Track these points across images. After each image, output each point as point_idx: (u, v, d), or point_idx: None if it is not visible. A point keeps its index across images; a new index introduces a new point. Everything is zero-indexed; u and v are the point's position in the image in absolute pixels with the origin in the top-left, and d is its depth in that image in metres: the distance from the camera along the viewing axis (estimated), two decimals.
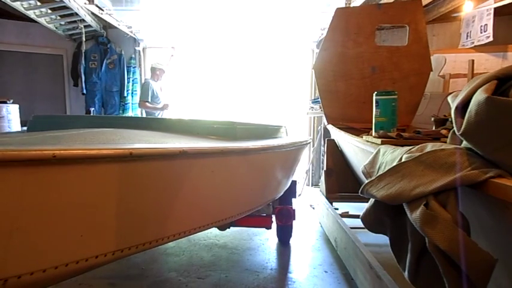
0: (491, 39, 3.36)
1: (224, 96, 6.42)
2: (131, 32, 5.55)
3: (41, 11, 4.67)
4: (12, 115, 4.32)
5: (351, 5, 4.21)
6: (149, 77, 5.48)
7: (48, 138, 1.40)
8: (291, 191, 3.16)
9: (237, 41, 5.85)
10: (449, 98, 1.30)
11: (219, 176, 1.60)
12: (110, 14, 5.00)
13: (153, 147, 1.24)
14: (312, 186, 5.91)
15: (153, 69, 5.32)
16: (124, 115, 5.64)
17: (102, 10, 4.86)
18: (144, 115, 5.62)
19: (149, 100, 5.18)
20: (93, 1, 4.51)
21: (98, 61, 5.53)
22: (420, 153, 1.25)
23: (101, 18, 5.19)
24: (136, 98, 5.73)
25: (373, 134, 2.32)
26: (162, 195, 1.30)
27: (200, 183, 1.48)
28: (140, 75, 5.87)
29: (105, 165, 1.05)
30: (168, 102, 5.39)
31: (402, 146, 1.56)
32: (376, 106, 2.38)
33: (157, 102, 5.33)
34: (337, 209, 3.53)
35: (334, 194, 3.70)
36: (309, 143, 3.57)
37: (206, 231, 3.14)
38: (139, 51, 5.85)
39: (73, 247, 1.02)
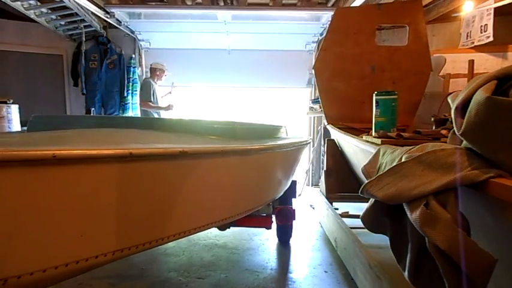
0: (491, 39, 3.36)
1: (224, 97, 6.41)
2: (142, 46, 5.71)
3: (41, 11, 4.67)
4: (12, 115, 4.32)
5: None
6: (149, 77, 5.46)
7: (48, 138, 1.40)
8: (291, 191, 3.16)
9: (237, 44, 5.85)
10: (449, 98, 1.30)
11: (219, 176, 1.60)
12: (127, 26, 5.39)
13: (153, 147, 1.24)
14: (312, 186, 5.91)
15: (153, 69, 5.30)
16: (124, 115, 5.63)
17: (120, 22, 5.19)
18: (140, 115, 5.62)
19: (151, 100, 5.14)
20: (114, 15, 4.99)
21: (98, 61, 5.52)
22: (420, 153, 1.25)
23: (100, 18, 5.20)
24: (137, 98, 5.71)
25: (373, 134, 2.32)
26: (162, 195, 1.30)
27: (200, 183, 1.48)
28: (140, 75, 5.87)
29: (105, 165, 1.06)
30: (172, 103, 5.36)
31: (402, 146, 1.56)
32: (376, 106, 2.38)
33: (156, 103, 5.31)
34: (337, 209, 3.53)
35: (334, 194, 3.70)
36: (309, 143, 3.57)
37: (206, 231, 3.14)
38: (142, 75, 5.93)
39: (73, 247, 1.02)
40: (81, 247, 1.04)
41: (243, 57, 5.94)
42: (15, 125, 4.32)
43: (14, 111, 4.36)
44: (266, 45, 5.86)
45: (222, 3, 5.29)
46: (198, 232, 1.56)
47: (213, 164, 1.53)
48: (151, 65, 5.35)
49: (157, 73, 5.28)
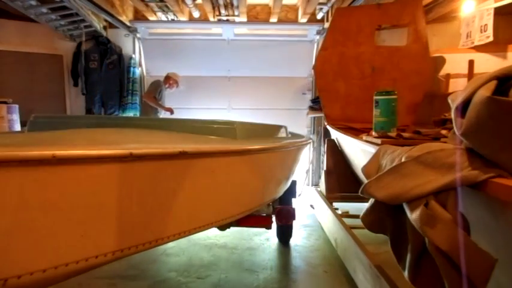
0: (491, 39, 3.35)
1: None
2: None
3: (41, 11, 4.67)
4: (13, 115, 4.32)
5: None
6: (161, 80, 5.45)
7: (48, 138, 1.40)
8: (291, 191, 3.16)
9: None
10: (449, 98, 1.30)
11: (219, 176, 1.60)
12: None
13: (153, 147, 1.24)
14: (312, 186, 5.91)
15: (167, 77, 5.32)
16: (124, 115, 5.63)
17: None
18: (140, 109, 5.64)
19: (156, 96, 5.14)
20: (136, 33, 5.54)
21: (98, 61, 5.51)
22: (420, 153, 1.25)
23: (101, 18, 5.20)
24: (137, 98, 5.72)
25: (373, 134, 2.31)
26: (162, 195, 1.30)
27: (200, 183, 1.48)
28: (140, 75, 5.86)
29: (105, 165, 1.05)
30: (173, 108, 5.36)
31: (402, 146, 1.56)
32: (376, 106, 2.38)
33: (164, 101, 5.30)
34: (337, 209, 3.53)
35: (334, 194, 3.70)
36: (309, 143, 3.57)
37: (206, 231, 3.14)
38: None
39: (73, 247, 1.02)
40: (81, 247, 1.04)
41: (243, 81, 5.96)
42: (15, 125, 4.31)
43: (14, 111, 4.36)
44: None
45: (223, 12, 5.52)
46: (198, 232, 1.56)
47: (213, 164, 1.53)
48: (168, 73, 5.36)
49: (170, 82, 5.31)
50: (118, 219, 1.13)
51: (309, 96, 5.83)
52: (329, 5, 5.14)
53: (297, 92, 5.88)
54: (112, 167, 1.07)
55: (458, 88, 2.40)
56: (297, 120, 5.77)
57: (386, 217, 1.44)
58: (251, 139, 2.07)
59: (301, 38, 5.73)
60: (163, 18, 5.75)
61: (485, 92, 1.00)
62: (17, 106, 4.40)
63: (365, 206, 1.55)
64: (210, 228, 1.68)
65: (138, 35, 5.68)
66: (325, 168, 3.91)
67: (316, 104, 5.31)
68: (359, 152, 2.65)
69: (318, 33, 5.55)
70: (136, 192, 1.19)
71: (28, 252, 0.93)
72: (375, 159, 1.67)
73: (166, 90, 5.33)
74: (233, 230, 3.43)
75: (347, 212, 3.58)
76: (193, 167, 1.41)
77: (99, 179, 1.06)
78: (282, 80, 5.82)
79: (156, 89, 5.16)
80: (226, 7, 5.42)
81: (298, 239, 3.46)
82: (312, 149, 5.87)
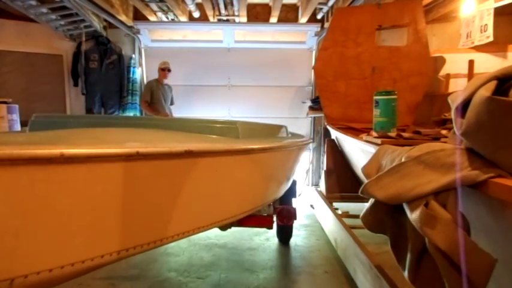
0: (491, 39, 3.36)
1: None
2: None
3: (41, 11, 4.67)
4: (13, 115, 4.32)
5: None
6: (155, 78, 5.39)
7: (52, 137, 1.41)
8: (292, 191, 3.16)
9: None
10: (449, 98, 1.30)
11: (223, 176, 1.60)
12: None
13: (159, 146, 1.24)
14: (312, 186, 5.91)
15: (158, 69, 5.27)
16: (124, 115, 5.63)
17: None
18: (140, 114, 5.63)
19: (148, 100, 5.07)
20: (139, 31, 5.57)
21: (98, 61, 5.51)
22: (420, 153, 1.26)
23: (101, 18, 5.20)
24: (136, 98, 5.72)
25: (373, 134, 2.32)
26: (167, 194, 1.30)
27: (204, 182, 1.48)
28: (140, 75, 5.86)
29: (112, 164, 1.05)
30: (170, 114, 5.29)
31: (402, 146, 1.56)
32: (376, 106, 2.38)
33: (162, 101, 5.23)
34: (337, 209, 3.53)
35: (334, 194, 3.70)
36: (310, 143, 3.58)
37: (206, 231, 3.14)
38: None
39: (79, 247, 1.03)
40: (88, 246, 1.04)
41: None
42: (15, 125, 4.31)
43: (14, 111, 4.36)
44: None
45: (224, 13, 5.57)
46: (202, 231, 1.56)
47: (218, 164, 1.53)
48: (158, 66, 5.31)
49: (159, 72, 5.22)
50: (124, 218, 1.13)
51: (308, 104, 5.86)
52: (329, 5, 5.14)
53: (296, 101, 5.92)
54: (119, 165, 1.07)
55: (458, 88, 2.40)
56: (297, 129, 5.79)
57: (386, 217, 1.45)
58: (253, 138, 2.07)
59: (301, 45, 5.77)
60: (164, 18, 5.75)
61: (485, 92, 1.00)
62: (17, 106, 4.40)
63: (365, 206, 1.55)
64: (213, 227, 1.68)
65: (139, 37, 5.66)
66: (325, 168, 3.91)
67: (316, 104, 5.30)
68: (359, 152, 2.65)
69: (317, 34, 5.55)
70: (142, 191, 1.19)
71: (35, 252, 0.93)
72: (375, 159, 1.68)
73: (161, 83, 5.23)
74: (233, 230, 3.42)
75: (347, 212, 3.58)
76: (198, 166, 1.41)
77: (106, 178, 1.06)
78: (281, 89, 5.88)
79: (147, 92, 5.06)
80: (226, 7, 5.43)
81: (299, 239, 3.46)
82: (311, 149, 5.88)
